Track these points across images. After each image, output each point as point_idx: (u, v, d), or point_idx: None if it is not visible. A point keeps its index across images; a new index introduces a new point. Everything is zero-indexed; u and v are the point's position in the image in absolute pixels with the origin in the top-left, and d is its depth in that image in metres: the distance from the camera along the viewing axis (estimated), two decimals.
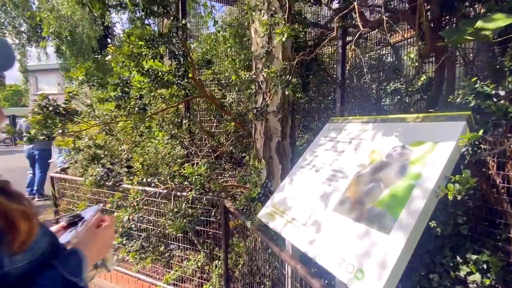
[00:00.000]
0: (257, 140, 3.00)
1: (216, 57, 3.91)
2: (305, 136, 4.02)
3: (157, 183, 2.65)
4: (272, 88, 2.24)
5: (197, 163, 3.46)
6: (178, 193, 2.78)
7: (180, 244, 3.30)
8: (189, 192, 2.45)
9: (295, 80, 2.01)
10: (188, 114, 3.99)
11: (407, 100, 2.65)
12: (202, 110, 4.30)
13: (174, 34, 2.61)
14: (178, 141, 3.39)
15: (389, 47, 3.86)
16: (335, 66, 3.75)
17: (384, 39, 3.89)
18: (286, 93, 2.20)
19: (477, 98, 1.36)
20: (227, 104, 3.17)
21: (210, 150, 3.52)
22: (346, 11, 2.45)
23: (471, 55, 2.91)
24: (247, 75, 2.36)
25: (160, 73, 2.42)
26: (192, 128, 3.79)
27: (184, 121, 3.70)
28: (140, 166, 2.81)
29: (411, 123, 1.59)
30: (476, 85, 1.40)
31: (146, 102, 2.59)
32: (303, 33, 3.05)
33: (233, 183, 3.01)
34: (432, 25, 2.74)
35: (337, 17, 2.35)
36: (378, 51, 4.09)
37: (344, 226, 1.40)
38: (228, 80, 3.59)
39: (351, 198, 1.51)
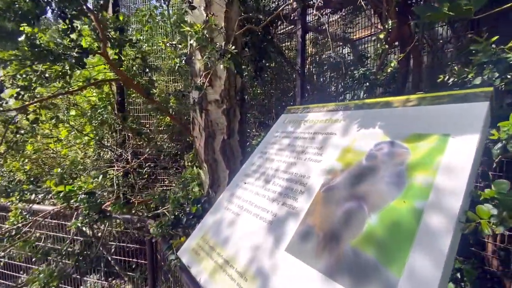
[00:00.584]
0: (197, 138, 2.30)
1: (150, 35, 3.11)
2: (262, 134, 3.45)
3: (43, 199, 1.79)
4: (208, 63, 1.57)
5: (121, 169, 2.63)
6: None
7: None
8: (72, 222, 1.62)
9: (235, 50, 1.37)
10: (119, 106, 3.12)
11: (375, 90, 2.22)
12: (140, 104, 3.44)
13: None
14: (98, 142, 2.53)
15: (348, 44, 3.49)
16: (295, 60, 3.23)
17: (345, 36, 3.50)
18: (221, 67, 1.56)
19: (501, 70, 0.88)
20: (154, 91, 2.42)
21: (139, 153, 2.72)
22: None
23: (441, 41, 2.62)
24: (180, 46, 1.66)
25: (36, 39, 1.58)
26: (121, 124, 2.93)
27: (105, 115, 2.83)
28: (25, 176, 1.92)
29: (400, 109, 1.06)
30: (497, 52, 0.92)
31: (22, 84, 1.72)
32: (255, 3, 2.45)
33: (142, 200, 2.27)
34: (397, 9, 2.36)
35: None
36: (338, 47, 3.70)
37: (306, 282, 0.81)
38: (159, 60, 2.84)
39: (316, 228, 0.92)
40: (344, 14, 3.10)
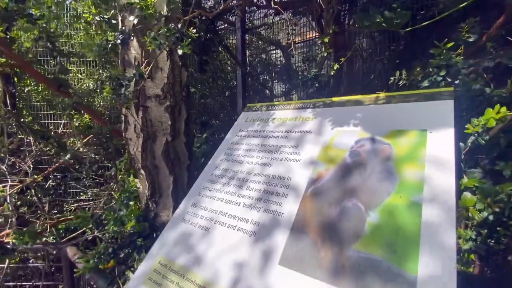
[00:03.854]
0: (131, 140, 1.91)
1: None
2: (204, 134, 3.20)
3: None
4: (149, 50, 1.29)
5: (18, 184, 1.94)
6: None
7: None
8: None
9: (185, 40, 1.15)
10: (11, 100, 2.27)
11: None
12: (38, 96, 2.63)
13: None
14: None
15: (283, 47, 3.63)
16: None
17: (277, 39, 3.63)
18: (165, 56, 1.32)
19: (454, 73, 1.00)
20: (67, 82, 1.85)
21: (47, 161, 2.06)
22: None
23: (370, 50, 3.01)
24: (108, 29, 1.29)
25: None
26: (16, 124, 2.16)
27: None
28: None
29: (371, 107, 1.09)
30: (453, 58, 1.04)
31: None
32: None
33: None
34: (334, 18, 2.60)
35: None
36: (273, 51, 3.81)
37: None
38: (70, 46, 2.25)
39: (312, 234, 0.83)
40: (285, 17, 3.21)
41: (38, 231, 1.45)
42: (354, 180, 0.89)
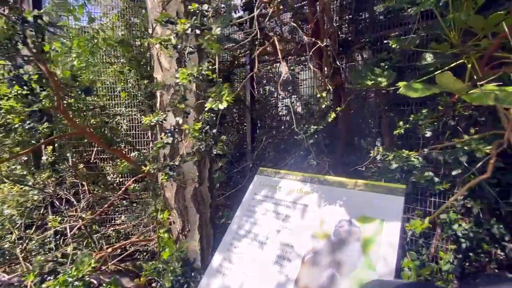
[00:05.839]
0: (166, 187, 2.39)
1: (91, 65, 2.89)
2: (219, 163, 3.67)
3: None
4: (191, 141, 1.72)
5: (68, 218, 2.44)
6: None
7: None
8: None
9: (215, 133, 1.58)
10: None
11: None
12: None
13: (16, 33, 1.56)
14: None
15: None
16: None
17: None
18: (215, 152, 1.76)
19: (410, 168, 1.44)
20: (109, 133, 2.28)
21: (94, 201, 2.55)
22: (262, 47, 2.25)
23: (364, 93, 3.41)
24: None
25: None
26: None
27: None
28: None
29: (351, 191, 1.54)
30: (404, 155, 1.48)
31: None
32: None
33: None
34: (332, 60, 2.96)
35: (257, 52, 2.11)
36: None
37: None
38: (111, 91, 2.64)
39: None
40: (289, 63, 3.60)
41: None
42: (335, 254, 1.34)
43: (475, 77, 1.73)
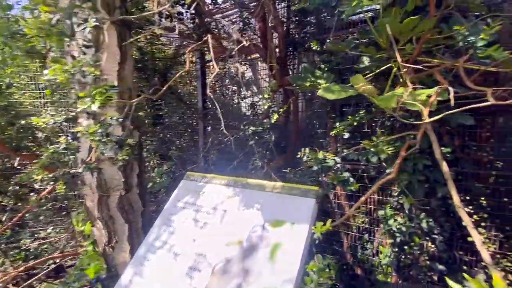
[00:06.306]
0: (87, 196, 2.15)
1: None
2: (163, 167, 3.45)
3: None
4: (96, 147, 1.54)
5: None
6: None
7: None
8: None
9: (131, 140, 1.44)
10: None
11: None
12: None
13: None
14: None
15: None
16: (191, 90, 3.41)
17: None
18: (120, 158, 1.60)
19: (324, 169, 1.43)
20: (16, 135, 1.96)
21: None
22: (199, 42, 2.15)
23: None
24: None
25: None
26: None
27: None
28: None
29: (269, 194, 1.49)
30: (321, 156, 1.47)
31: None
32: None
33: None
34: (280, 61, 2.96)
35: (189, 49, 1.99)
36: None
37: None
38: None
39: None
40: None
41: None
42: (245, 261, 1.28)
43: (401, 80, 1.81)
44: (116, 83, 1.98)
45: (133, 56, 2.25)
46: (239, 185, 1.63)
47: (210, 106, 3.65)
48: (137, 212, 2.29)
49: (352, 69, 2.59)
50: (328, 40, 2.62)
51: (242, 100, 3.60)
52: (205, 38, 2.22)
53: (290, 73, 3.17)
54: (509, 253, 2.00)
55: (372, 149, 1.30)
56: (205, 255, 1.39)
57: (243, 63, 3.55)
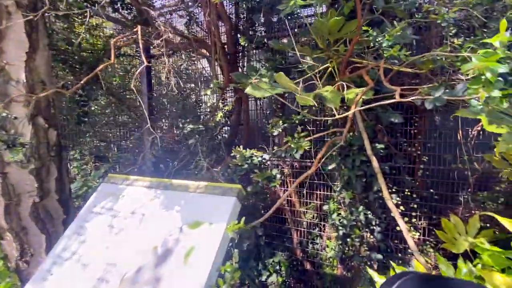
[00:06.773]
0: None
1: None
2: (101, 170, 3.16)
3: None
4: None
5: None
6: None
7: None
8: None
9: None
10: None
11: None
12: None
13: None
14: None
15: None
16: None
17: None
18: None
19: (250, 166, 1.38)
20: None
21: None
22: (127, 34, 1.97)
23: None
24: None
25: None
26: None
27: None
28: None
29: (192, 194, 1.40)
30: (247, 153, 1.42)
31: None
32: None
33: None
34: (229, 58, 2.88)
35: (114, 40, 1.80)
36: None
37: None
38: None
39: None
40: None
41: None
42: (157, 268, 1.17)
43: (336, 79, 1.84)
44: (23, 75, 1.73)
45: (62, 47, 1.99)
46: (162, 186, 1.51)
47: (157, 104, 3.44)
48: (58, 221, 2.02)
49: (298, 68, 2.62)
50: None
51: (194, 98, 3.45)
52: (135, 29, 2.05)
53: (240, 71, 3.11)
54: (431, 239, 2.18)
55: (292, 145, 1.28)
56: (115, 264, 1.24)
57: (195, 57, 3.41)
